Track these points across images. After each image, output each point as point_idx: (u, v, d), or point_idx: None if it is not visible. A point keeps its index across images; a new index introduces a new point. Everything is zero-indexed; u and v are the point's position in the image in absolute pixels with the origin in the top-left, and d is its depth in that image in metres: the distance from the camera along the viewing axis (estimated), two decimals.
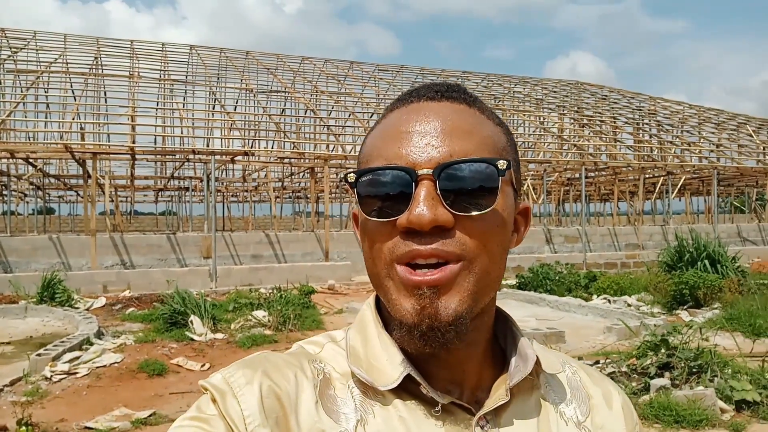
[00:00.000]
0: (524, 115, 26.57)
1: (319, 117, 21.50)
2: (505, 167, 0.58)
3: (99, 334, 7.77)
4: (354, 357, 0.63)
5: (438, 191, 0.56)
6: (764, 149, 24.47)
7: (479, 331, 0.63)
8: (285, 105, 27.84)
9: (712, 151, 23.63)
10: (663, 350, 5.50)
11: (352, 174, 0.61)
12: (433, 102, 0.62)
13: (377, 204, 0.59)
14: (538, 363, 0.65)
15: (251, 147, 19.62)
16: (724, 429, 4.40)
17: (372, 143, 0.64)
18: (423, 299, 0.56)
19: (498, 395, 0.63)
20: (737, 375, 5.06)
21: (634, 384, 5.22)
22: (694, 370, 5.16)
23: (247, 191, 26.33)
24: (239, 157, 16.49)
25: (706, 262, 11.52)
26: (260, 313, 8.94)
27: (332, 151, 17.56)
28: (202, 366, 6.54)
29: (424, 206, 0.55)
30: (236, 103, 27.43)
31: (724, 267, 11.41)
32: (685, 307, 9.75)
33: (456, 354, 0.62)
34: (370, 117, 25.47)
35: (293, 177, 25.61)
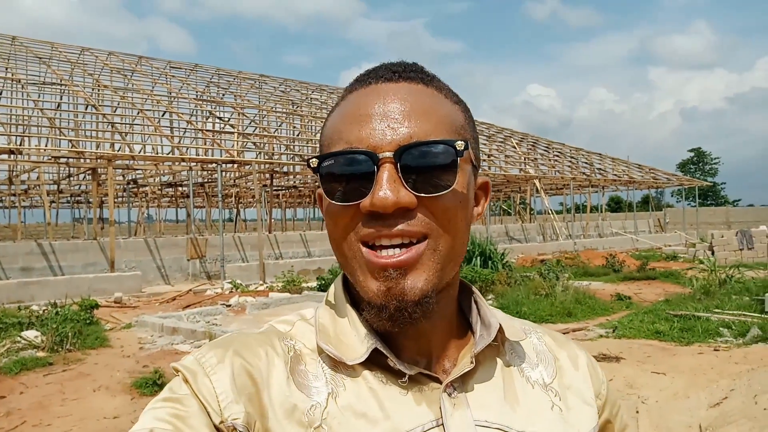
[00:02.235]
0: (322, 122, 27.15)
1: (102, 113, 19.65)
2: (463, 147, 0.59)
3: None
4: (323, 334, 0.65)
5: (399, 173, 0.57)
6: (524, 160, 28.24)
7: (444, 304, 0.66)
8: (61, 99, 24.93)
9: (485, 160, 26.55)
10: None
11: (314, 159, 0.61)
12: (391, 83, 0.63)
13: (340, 187, 0.59)
14: (501, 331, 0.67)
15: (19, 144, 17.23)
16: None
17: (332, 126, 0.64)
18: (389, 281, 0.57)
19: (464, 363, 0.65)
20: None
21: None
22: None
23: (14, 195, 23.02)
24: (4, 156, 14.40)
25: (479, 259, 12.98)
26: (31, 333, 7.92)
27: (118, 150, 16.19)
28: None
29: (386, 189, 0.56)
30: None
31: (495, 263, 12.95)
32: None
33: (422, 326, 0.63)
34: (162, 115, 23.98)
35: (71, 179, 23.09)
